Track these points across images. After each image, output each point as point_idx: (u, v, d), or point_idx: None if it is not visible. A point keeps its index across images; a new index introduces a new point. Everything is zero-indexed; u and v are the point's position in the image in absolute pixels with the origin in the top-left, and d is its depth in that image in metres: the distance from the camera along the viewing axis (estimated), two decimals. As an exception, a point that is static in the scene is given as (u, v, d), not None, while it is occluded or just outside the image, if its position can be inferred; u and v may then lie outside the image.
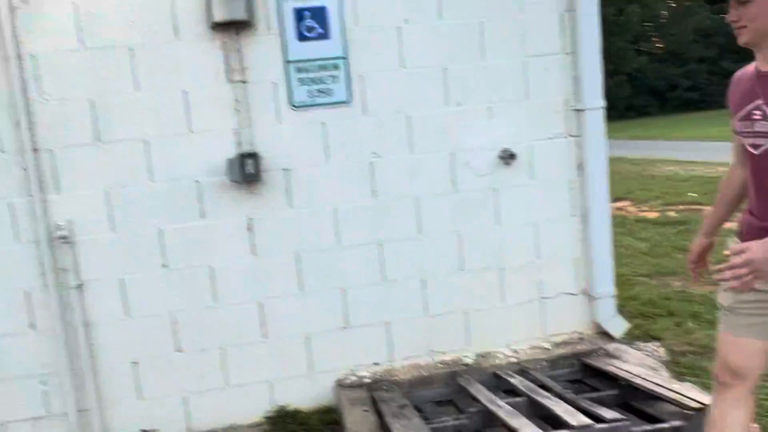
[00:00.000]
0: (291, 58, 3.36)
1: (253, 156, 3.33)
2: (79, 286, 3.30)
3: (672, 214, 7.98)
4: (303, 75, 3.38)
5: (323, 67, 3.39)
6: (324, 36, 3.37)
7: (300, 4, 3.33)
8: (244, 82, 3.33)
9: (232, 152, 3.35)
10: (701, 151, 14.00)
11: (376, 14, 3.43)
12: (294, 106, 3.39)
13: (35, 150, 3.19)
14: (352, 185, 3.50)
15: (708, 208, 2.55)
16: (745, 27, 1.98)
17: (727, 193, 2.35)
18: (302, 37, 3.36)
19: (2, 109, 3.14)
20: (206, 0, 3.22)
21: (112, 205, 3.29)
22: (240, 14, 3.20)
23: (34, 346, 3.31)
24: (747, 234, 2.09)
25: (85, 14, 3.16)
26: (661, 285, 5.11)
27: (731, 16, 2.00)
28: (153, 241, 3.34)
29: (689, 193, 9.02)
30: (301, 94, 3.39)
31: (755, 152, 2.05)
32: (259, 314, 3.47)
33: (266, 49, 3.34)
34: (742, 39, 2.01)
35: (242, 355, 3.48)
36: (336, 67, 3.41)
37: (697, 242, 2.44)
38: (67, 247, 3.26)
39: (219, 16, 3.19)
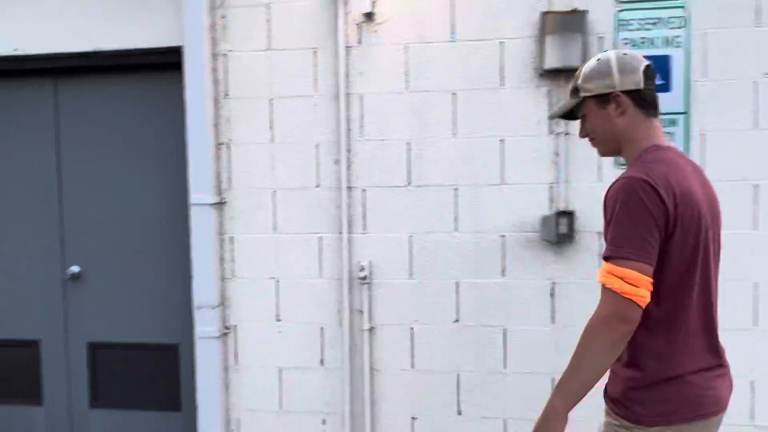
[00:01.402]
0: (622, 110, 3.01)
1: (569, 215, 3.02)
2: (371, 330, 3.23)
3: None
4: (633, 130, 3.01)
5: (658, 123, 3.00)
6: (664, 88, 2.98)
7: (641, 52, 2.98)
8: (566, 133, 3.05)
9: (544, 208, 3.08)
10: None
11: (728, 67, 2.97)
12: (620, 163, 3.03)
13: (349, 188, 3.20)
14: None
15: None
16: (594, 140, 1.85)
17: None
18: (638, 89, 3.00)
19: (326, 146, 3.21)
20: (539, 45, 3.01)
21: (414, 251, 3.19)
22: (575, 61, 2.94)
23: (320, 382, 3.29)
24: None
25: (414, 57, 3.13)
26: None
27: (581, 132, 1.88)
28: (448, 294, 3.17)
29: None
30: (629, 150, 3.02)
31: None
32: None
33: (595, 100, 3.04)
34: (599, 152, 1.89)
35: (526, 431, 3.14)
36: (673, 123, 3.00)
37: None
38: (365, 288, 3.21)
39: (551, 62, 2.97)
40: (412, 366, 3.23)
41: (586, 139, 1.88)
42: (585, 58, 2.97)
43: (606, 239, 1.67)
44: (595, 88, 1.77)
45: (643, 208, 1.59)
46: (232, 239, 3.31)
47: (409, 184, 3.17)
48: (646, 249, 1.58)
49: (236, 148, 3.29)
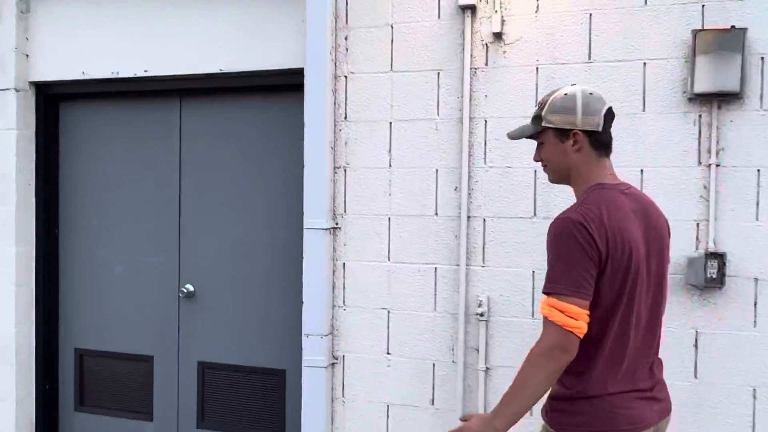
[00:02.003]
0: (787, 140, 2.65)
1: (719, 257, 2.67)
2: (487, 370, 3.00)
3: None
4: (800, 163, 2.64)
5: (831, 156, 2.61)
6: (839, 116, 2.60)
7: (811, 75, 2.62)
8: (718, 165, 2.72)
9: (690, 248, 2.75)
10: None
11: None
12: (781, 200, 2.66)
13: (469, 217, 3.01)
14: None
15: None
16: (546, 166, 1.97)
17: None
18: (807, 116, 2.63)
19: (446, 172, 3.04)
20: (689, 67, 2.71)
21: (536, 288, 2.94)
22: (731, 85, 2.62)
23: (430, 422, 3.09)
24: None
25: (545, 80, 2.91)
26: None
27: (535, 157, 2.00)
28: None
29: None
30: (793, 186, 2.65)
31: None
32: (692, 454, 2.76)
33: (754, 129, 2.69)
34: (549, 178, 2.01)
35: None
36: None
37: None
38: (482, 325, 2.99)
39: (702, 86, 2.66)
40: (531, 413, 2.96)
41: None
42: (743, 82, 2.65)
43: (547, 274, 1.79)
44: (557, 121, 1.88)
45: (579, 247, 1.73)
46: (344, 266, 3.21)
47: (535, 215, 2.94)
48: (583, 285, 1.73)
49: (353, 172, 3.19)
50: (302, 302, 3.20)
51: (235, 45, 3.39)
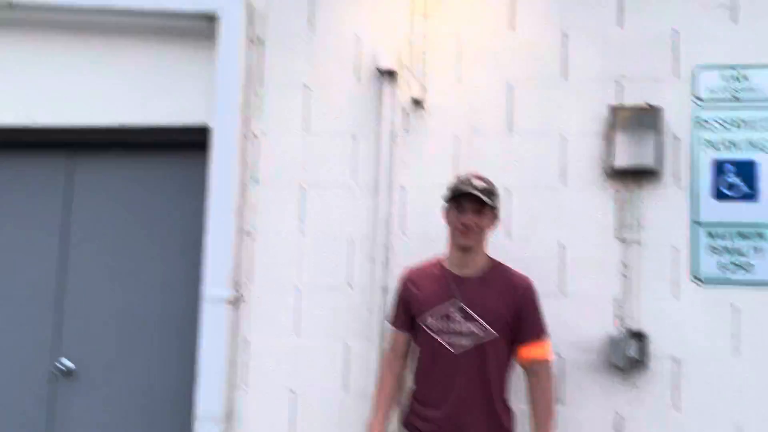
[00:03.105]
0: (701, 219, 2.65)
1: (640, 336, 2.60)
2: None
3: None
4: (715, 242, 2.64)
5: (743, 236, 2.63)
6: (750, 196, 2.64)
7: (722, 156, 2.66)
8: (637, 243, 2.68)
9: (608, 326, 2.66)
10: None
11: (823, 174, 2.62)
12: (698, 279, 2.64)
13: (384, 289, 2.81)
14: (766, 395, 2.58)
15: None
16: (475, 233, 2.32)
17: (391, 389, 2.50)
18: (719, 196, 2.66)
19: (362, 242, 2.86)
20: (607, 143, 2.70)
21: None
22: (647, 161, 2.62)
23: None
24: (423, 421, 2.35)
25: (466, 148, 2.82)
26: None
27: (468, 221, 2.30)
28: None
29: None
30: (709, 265, 2.64)
31: (453, 351, 2.29)
32: None
33: (670, 206, 2.68)
34: (469, 242, 2.33)
35: None
36: (761, 236, 2.62)
37: None
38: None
39: (620, 162, 2.64)
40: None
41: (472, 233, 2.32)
42: (658, 159, 2.65)
43: (538, 323, 2.38)
44: (497, 204, 2.39)
45: None
46: (247, 341, 2.90)
47: (454, 289, 2.78)
48: None
49: (261, 238, 2.94)
50: (197, 382, 2.86)
51: (138, 98, 3.13)
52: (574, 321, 2.69)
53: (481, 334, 2.29)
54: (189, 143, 3.11)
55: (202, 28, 3.02)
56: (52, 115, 3.17)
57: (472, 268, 2.37)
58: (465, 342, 2.29)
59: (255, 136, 2.98)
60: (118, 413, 3.14)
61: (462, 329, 2.30)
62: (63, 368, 3.17)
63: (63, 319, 3.23)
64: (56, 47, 3.19)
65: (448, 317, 2.32)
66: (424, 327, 2.36)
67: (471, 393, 2.29)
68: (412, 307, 2.42)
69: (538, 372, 2.36)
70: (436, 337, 2.33)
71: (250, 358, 2.90)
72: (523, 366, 2.40)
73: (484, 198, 2.29)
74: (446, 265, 2.42)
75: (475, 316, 2.30)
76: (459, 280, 2.36)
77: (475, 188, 2.30)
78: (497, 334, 2.29)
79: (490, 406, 2.31)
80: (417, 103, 2.86)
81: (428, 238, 2.80)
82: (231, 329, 2.89)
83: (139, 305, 3.18)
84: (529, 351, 2.35)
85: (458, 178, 2.40)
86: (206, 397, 2.84)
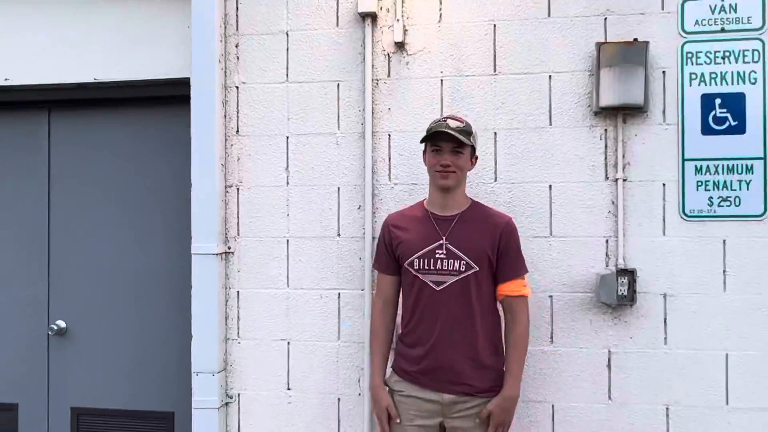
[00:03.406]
0: (689, 155, 2.63)
1: (629, 274, 2.61)
2: (396, 403, 2.78)
3: None
4: (703, 177, 2.62)
5: (731, 169, 2.61)
6: (737, 129, 2.61)
7: (710, 90, 2.62)
8: (625, 180, 2.67)
9: (598, 265, 2.67)
10: None
11: (811, 105, 2.60)
12: (686, 215, 2.63)
13: (374, 238, 2.80)
14: (754, 325, 2.60)
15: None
16: (454, 172, 2.35)
17: (385, 334, 2.53)
18: (707, 130, 2.63)
19: (349, 190, 2.84)
20: (594, 80, 2.65)
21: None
22: (634, 98, 2.58)
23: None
24: (408, 362, 2.42)
25: (450, 92, 2.78)
26: None
27: (445, 161, 2.33)
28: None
29: None
30: (697, 200, 2.63)
31: (436, 288, 2.34)
32: (609, 479, 2.65)
33: (658, 143, 2.66)
34: (448, 183, 2.36)
35: None
36: (749, 169, 2.61)
37: (384, 397, 2.45)
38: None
39: (607, 100, 2.60)
40: None
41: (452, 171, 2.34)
42: (647, 95, 2.61)
43: (518, 260, 2.41)
44: (474, 143, 2.40)
45: None
46: (238, 294, 2.91)
47: (443, 234, 2.77)
48: None
49: (247, 191, 2.91)
50: (191, 336, 2.88)
51: (113, 52, 3.05)
52: (563, 260, 2.70)
53: (464, 270, 2.32)
54: (171, 97, 3.04)
55: (175, -24, 2.93)
56: (29, 74, 3.09)
57: (454, 208, 2.40)
58: (449, 279, 2.33)
59: (236, 86, 2.92)
60: (114, 370, 3.17)
61: (446, 267, 2.33)
62: (56, 328, 3.17)
63: (51, 279, 3.22)
64: (28, 4, 3.09)
65: (433, 257, 2.34)
66: (410, 269, 2.38)
67: (454, 327, 2.32)
68: (397, 250, 2.43)
69: (513, 308, 2.38)
70: (420, 276, 2.36)
71: (242, 310, 2.91)
72: (501, 303, 2.42)
73: (461, 137, 2.29)
74: (428, 206, 2.45)
75: (460, 253, 2.33)
76: (441, 220, 2.39)
77: (451, 128, 2.30)
78: (479, 269, 2.33)
79: (474, 342, 2.33)
80: (400, 46, 2.80)
81: (415, 184, 2.79)
82: (222, 283, 2.89)
83: (129, 262, 3.17)
84: (506, 287, 2.38)
85: (435, 120, 2.40)
86: (201, 351, 2.86)
